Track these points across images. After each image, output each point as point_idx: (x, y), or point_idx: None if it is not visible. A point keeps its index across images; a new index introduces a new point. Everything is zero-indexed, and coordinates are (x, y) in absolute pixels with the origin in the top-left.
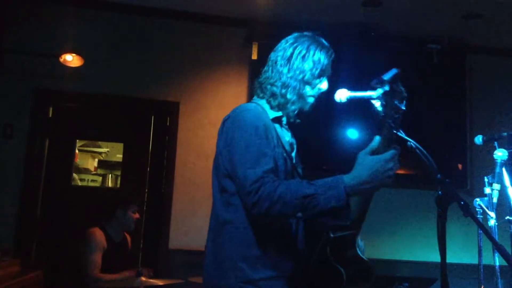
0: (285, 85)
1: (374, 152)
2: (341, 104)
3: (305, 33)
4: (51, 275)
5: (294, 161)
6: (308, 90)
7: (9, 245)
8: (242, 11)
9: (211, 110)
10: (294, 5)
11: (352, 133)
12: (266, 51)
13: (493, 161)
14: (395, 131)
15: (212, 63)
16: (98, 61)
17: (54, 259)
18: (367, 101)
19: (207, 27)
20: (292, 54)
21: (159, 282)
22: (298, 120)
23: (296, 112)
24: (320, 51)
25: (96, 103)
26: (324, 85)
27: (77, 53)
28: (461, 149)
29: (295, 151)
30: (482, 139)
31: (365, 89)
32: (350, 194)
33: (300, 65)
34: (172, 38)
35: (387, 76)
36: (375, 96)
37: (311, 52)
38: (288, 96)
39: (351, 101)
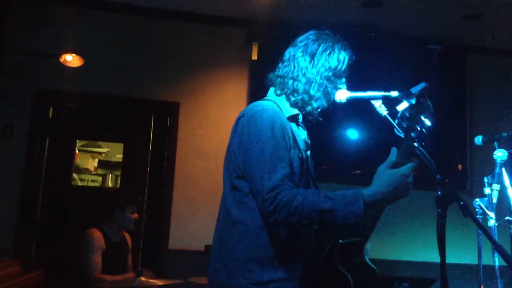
0: (309, 81)
1: (393, 165)
2: (340, 104)
3: (326, 31)
4: (51, 275)
5: (309, 160)
6: (331, 88)
7: (9, 245)
8: (242, 12)
9: (211, 110)
10: (294, 5)
11: (352, 134)
12: (266, 51)
13: (493, 162)
14: (417, 145)
15: (212, 63)
16: (98, 61)
17: (54, 259)
18: (367, 101)
19: (207, 27)
20: (316, 50)
21: (159, 282)
22: (320, 118)
23: (320, 109)
24: (345, 50)
25: (96, 103)
26: (344, 85)
27: (77, 54)
28: (461, 150)
29: (310, 150)
30: (482, 139)
31: (365, 90)
32: (369, 209)
33: (326, 62)
34: (172, 38)
35: (415, 90)
36: (400, 108)
37: (336, 51)
38: (312, 92)
39: (351, 101)
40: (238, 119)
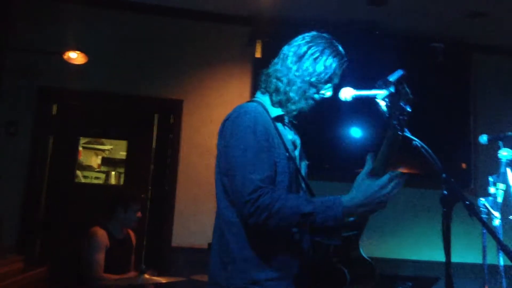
0: (290, 83)
1: (371, 172)
2: (345, 102)
3: (324, 34)
4: (54, 272)
5: (297, 160)
6: (312, 93)
7: (13, 242)
8: (246, 9)
9: (215, 108)
10: (298, 3)
11: (356, 132)
12: (270, 49)
13: (497, 161)
14: (400, 133)
15: (216, 61)
16: (102, 58)
17: (58, 256)
18: (372, 100)
19: (211, 25)
20: (305, 52)
21: (162, 280)
22: (294, 121)
23: (295, 112)
24: (334, 57)
25: (100, 100)
26: (329, 92)
27: (81, 51)
28: (465, 149)
29: (298, 149)
30: (487, 138)
31: (370, 88)
32: (346, 215)
33: (310, 66)
34: (176, 36)
35: (392, 77)
36: (380, 96)
37: (324, 56)
38: (291, 94)
39: (355, 99)
40: (224, 121)
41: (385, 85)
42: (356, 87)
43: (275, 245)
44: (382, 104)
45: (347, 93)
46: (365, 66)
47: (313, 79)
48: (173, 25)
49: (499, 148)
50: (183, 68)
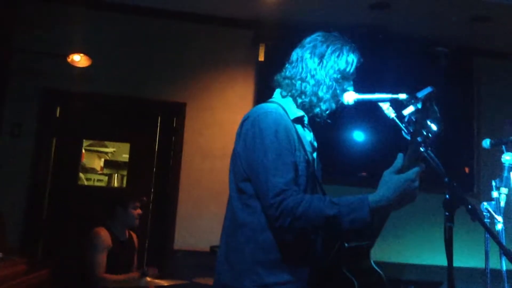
0: (318, 83)
1: (399, 171)
2: (347, 106)
3: (334, 33)
4: (57, 274)
5: (315, 163)
6: (340, 90)
7: (16, 243)
8: (250, 13)
9: (218, 111)
10: (302, 7)
11: (358, 136)
12: (273, 52)
13: (500, 165)
14: (423, 150)
15: (219, 64)
16: (106, 61)
17: (60, 258)
18: (374, 104)
19: (214, 28)
20: (325, 51)
21: (164, 283)
22: (328, 120)
23: (328, 111)
24: (353, 53)
25: (103, 103)
26: (351, 88)
27: (85, 54)
28: (468, 153)
29: (316, 152)
30: (490, 142)
31: (372, 92)
32: (375, 215)
33: (335, 64)
34: (179, 39)
35: (421, 94)
36: (406, 113)
37: (345, 53)
38: (320, 94)
39: (358, 103)
40: (243, 121)
41: (413, 101)
42: (359, 90)
43: (287, 249)
44: (385, 108)
45: (349, 97)
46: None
47: (339, 76)
48: (177, 28)
49: (502, 152)
50: (187, 71)
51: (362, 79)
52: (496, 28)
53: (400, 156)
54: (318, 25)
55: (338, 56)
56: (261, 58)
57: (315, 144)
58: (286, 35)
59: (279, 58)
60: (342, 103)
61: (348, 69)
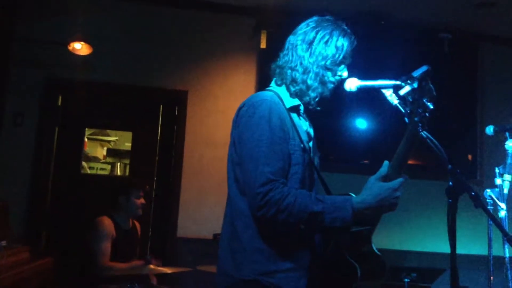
0: (306, 71)
1: (384, 178)
2: (350, 93)
3: (327, 17)
4: (60, 263)
5: (311, 151)
6: (329, 76)
7: (19, 232)
8: (251, 0)
9: (220, 99)
10: None
11: (361, 123)
12: (275, 39)
13: (504, 152)
14: (420, 130)
15: (221, 52)
16: (107, 49)
17: (64, 247)
18: (377, 90)
19: (215, 15)
20: (314, 38)
21: (167, 270)
22: (318, 108)
23: (317, 99)
24: (344, 37)
25: (105, 91)
26: (345, 72)
27: (86, 42)
28: (471, 140)
29: (312, 140)
30: (494, 129)
31: (375, 78)
32: (356, 217)
33: (323, 50)
34: (180, 27)
35: (416, 73)
36: (402, 92)
37: (334, 38)
38: (309, 82)
39: (360, 90)
40: (239, 109)
41: (408, 80)
42: (361, 77)
43: (286, 237)
44: (388, 94)
45: (352, 84)
46: (370, 57)
47: (328, 63)
48: (178, 16)
49: (506, 139)
50: (188, 59)
51: (365, 65)
52: (500, 13)
53: (385, 164)
54: (320, 12)
55: (326, 42)
56: (263, 45)
57: (312, 132)
58: (288, 22)
59: (281, 45)
60: (344, 89)
61: (337, 55)
